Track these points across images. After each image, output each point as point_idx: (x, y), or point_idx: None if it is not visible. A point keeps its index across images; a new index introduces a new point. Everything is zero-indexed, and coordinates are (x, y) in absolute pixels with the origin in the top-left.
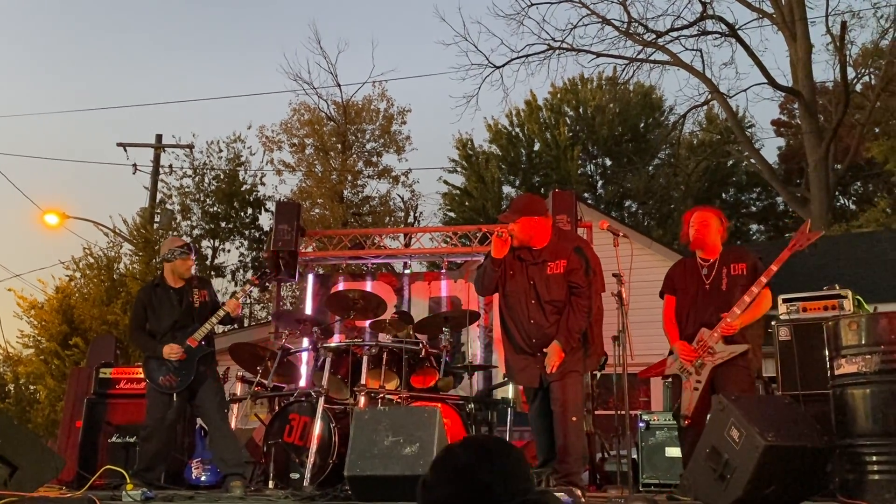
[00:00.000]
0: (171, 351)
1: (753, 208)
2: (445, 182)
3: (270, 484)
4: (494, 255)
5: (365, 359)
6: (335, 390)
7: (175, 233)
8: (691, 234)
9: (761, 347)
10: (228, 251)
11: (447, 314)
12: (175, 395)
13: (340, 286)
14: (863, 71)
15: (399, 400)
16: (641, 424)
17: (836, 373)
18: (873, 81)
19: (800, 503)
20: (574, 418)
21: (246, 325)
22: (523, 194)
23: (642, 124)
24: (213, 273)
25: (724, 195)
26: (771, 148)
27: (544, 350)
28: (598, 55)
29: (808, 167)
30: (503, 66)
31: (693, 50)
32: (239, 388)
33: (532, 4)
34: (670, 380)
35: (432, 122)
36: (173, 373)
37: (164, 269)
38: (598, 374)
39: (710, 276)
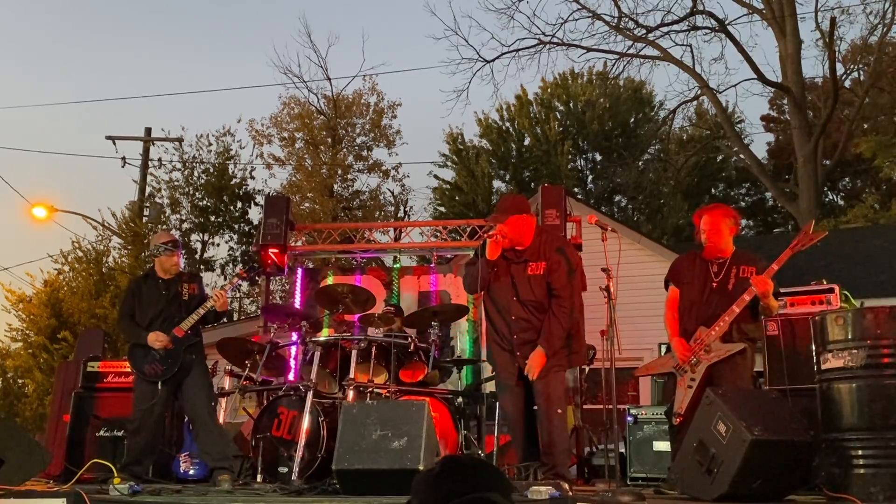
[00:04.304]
0: (157, 339)
1: (742, 203)
2: (435, 176)
3: (259, 478)
4: (489, 256)
5: (354, 353)
6: (324, 384)
7: (164, 226)
8: (702, 239)
9: (754, 349)
10: (218, 245)
11: (436, 308)
12: (160, 384)
13: (330, 280)
14: (852, 67)
15: (387, 394)
16: (629, 419)
17: (823, 367)
18: (862, 77)
19: (786, 497)
20: (559, 411)
21: (234, 319)
22: (507, 195)
23: (632, 119)
24: (202, 267)
25: (713, 190)
26: (760, 143)
27: (523, 350)
28: (589, 50)
29: (797, 163)
30: (493, 60)
31: (683, 45)
32: (227, 383)
33: None
34: (665, 378)
35: (423, 116)
36: (158, 361)
37: (155, 262)
38: (587, 369)
39: (719, 274)
